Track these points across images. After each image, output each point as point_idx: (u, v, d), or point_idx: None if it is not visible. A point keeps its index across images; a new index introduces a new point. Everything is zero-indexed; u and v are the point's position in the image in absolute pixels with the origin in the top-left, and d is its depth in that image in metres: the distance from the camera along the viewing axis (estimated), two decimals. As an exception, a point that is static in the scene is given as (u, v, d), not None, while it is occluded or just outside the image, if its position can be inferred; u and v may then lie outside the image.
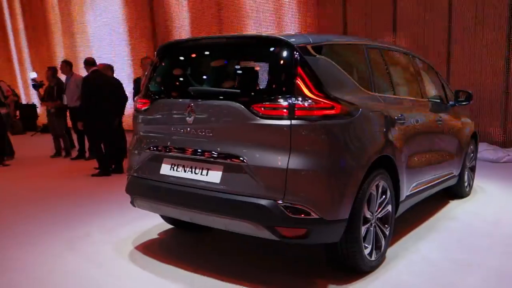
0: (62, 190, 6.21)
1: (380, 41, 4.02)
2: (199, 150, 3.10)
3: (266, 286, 3.09)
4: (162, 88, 3.43)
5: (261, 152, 2.87)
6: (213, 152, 3.03)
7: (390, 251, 3.70)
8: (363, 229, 3.17)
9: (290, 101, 2.81)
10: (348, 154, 2.96)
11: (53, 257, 3.67)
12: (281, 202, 2.80)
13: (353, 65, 3.46)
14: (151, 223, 4.36)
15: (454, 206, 5.13)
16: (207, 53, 3.37)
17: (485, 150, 7.95)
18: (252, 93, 2.95)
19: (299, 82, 2.85)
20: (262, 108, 2.85)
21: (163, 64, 3.50)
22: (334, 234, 2.97)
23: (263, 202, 2.82)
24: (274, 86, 2.91)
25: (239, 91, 3.03)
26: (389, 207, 3.51)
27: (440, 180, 4.70)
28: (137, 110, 3.55)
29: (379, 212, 3.39)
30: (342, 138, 2.94)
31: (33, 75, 10.13)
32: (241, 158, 2.91)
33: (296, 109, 2.80)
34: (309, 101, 2.84)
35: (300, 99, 2.82)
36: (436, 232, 4.22)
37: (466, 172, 5.52)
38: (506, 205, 5.12)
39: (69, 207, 5.22)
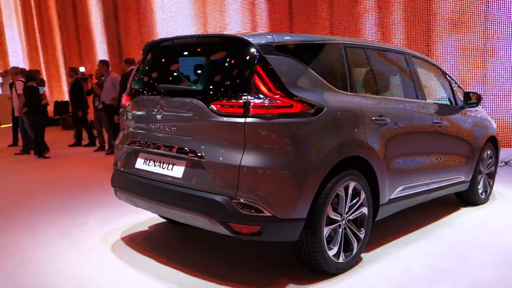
0: (83, 181, 6.59)
1: (368, 41, 3.92)
2: (167, 146, 3.22)
3: (227, 281, 3.14)
4: (141, 85, 3.58)
5: (218, 148, 2.94)
6: (177, 148, 3.14)
7: (370, 255, 3.64)
8: (327, 230, 3.14)
9: (245, 98, 2.85)
10: (306, 153, 2.95)
11: (44, 243, 3.95)
12: (234, 198, 2.84)
13: (326, 65, 3.42)
14: (146, 216, 4.53)
15: (462, 213, 4.90)
16: (179, 52, 3.48)
17: (523, 157, 7.49)
18: (212, 91, 3.02)
19: (257, 80, 2.88)
20: (219, 106, 2.91)
21: (144, 62, 3.66)
22: (290, 233, 2.97)
23: (218, 198, 2.88)
24: (233, 84, 2.96)
25: (200, 89, 3.11)
26: (364, 210, 3.44)
27: (442, 185, 4.52)
28: (122, 106, 3.73)
29: (351, 214, 3.34)
30: (300, 137, 2.94)
31: (82, 69, 10.78)
32: (200, 154, 2.99)
33: (250, 107, 2.84)
34: (266, 99, 2.86)
35: (256, 97, 2.85)
36: (429, 238, 4.07)
37: (482, 179, 5.26)
38: (521, 216, 4.83)
39: (79, 197, 5.55)
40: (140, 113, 3.47)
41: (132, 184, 3.45)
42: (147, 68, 3.61)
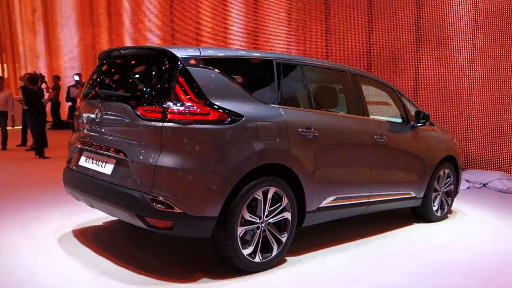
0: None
1: (308, 58, 4.19)
2: (102, 146, 3.55)
3: (147, 272, 3.42)
4: (90, 90, 3.93)
5: (140, 149, 3.24)
6: (109, 148, 3.46)
7: (295, 258, 3.85)
8: (241, 230, 3.38)
9: (164, 105, 3.16)
10: (219, 158, 3.22)
11: (1, 230, 4.32)
12: (149, 195, 3.13)
13: (253, 78, 3.70)
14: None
15: (411, 228, 5.04)
16: (123, 60, 3.82)
17: (497, 179, 7.53)
18: (140, 97, 3.33)
19: (177, 89, 3.19)
20: (143, 110, 3.23)
21: (96, 69, 4.01)
22: (202, 229, 3.23)
23: (135, 193, 3.18)
24: (157, 91, 3.27)
25: (130, 94, 3.44)
26: (287, 215, 3.66)
27: (385, 198, 4.69)
28: (76, 109, 4.09)
29: (271, 218, 3.57)
30: (214, 142, 3.21)
31: (76, 77, 11.50)
32: (125, 154, 3.30)
33: (168, 112, 3.14)
34: (183, 106, 3.16)
35: (174, 103, 3.16)
36: (363, 248, 4.24)
37: (438, 196, 5.39)
38: (470, 235, 4.88)
39: (53, 193, 5.87)
40: (86, 115, 3.81)
41: (75, 179, 3.79)
42: (97, 74, 3.96)
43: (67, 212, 4.98)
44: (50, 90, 13.48)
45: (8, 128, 10.77)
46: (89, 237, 4.20)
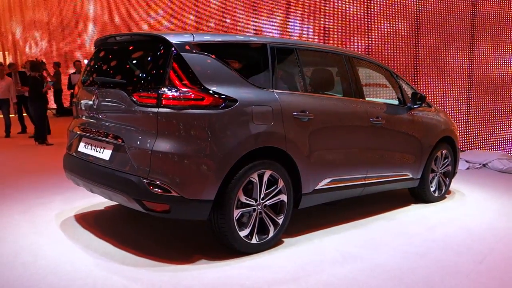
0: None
1: (303, 42, 4.21)
2: (100, 132, 3.62)
3: (145, 254, 3.50)
4: (88, 77, 3.98)
5: (136, 135, 3.30)
6: (106, 134, 3.52)
7: (293, 239, 3.93)
8: (237, 212, 3.44)
9: (159, 91, 3.20)
10: (213, 142, 3.27)
11: (4, 216, 4.44)
12: (146, 179, 3.20)
13: (246, 63, 3.73)
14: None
15: (408, 209, 5.11)
16: (118, 47, 3.85)
17: (497, 159, 7.56)
18: (135, 83, 3.38)
19: (172, 74, 3.23)
20: (138, 97, 3.28)
21: (93, 56, 4.05)
22: (198, 212, 3.31)
23: (133, 178, 3.24)
24: (152, 77, 3.31)
25: (125, 81, 3.48)
26: (283, 197, 3.73)
27: (382, 180, 4.75)
28: (74, 96, 4.14)
29: (267, 200, 3.63)
30: (209, 127, 3.26)
31: (86, 61, 11.50)
32: (122, 140, 3.36)
33: (163, 98, 3.19)
34: (178, 91, 3.21)
35: (169, 89, 3.20)
36: (360, 229, 4.31)
37: (436, 177, 5.44)
38: (466, 215, 4.93)
39: (56, 180, 5.95)
40: (84, 102, 3.87)
41: (74, 165, 3.86)
42: (94, 61, 4.01)
43: (69, 198, 5.08)
44: (49, 80, 13.45)
45: (10, 115, 10.85)
46: (90, 221, 4.29)
